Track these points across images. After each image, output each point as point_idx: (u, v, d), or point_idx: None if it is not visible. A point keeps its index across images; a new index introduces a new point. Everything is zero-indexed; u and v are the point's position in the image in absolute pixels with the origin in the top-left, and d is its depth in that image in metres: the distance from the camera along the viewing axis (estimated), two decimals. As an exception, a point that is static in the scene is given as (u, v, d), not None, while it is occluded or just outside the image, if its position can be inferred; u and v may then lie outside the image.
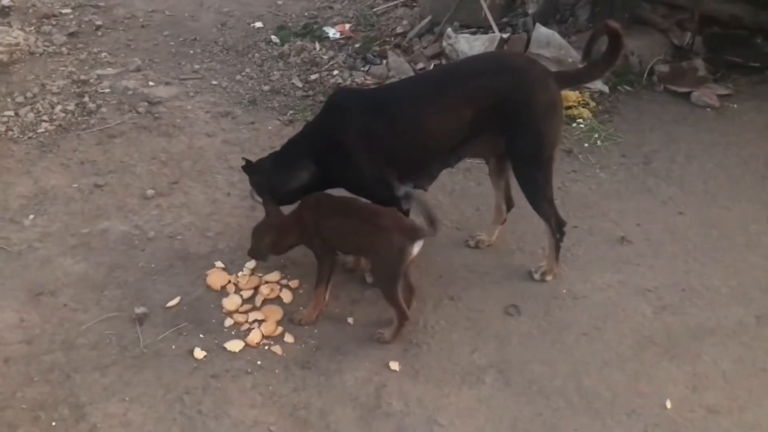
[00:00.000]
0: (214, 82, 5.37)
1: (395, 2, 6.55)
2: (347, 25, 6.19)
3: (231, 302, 3.32)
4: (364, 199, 3.26)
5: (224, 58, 5.78)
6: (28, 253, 3.62)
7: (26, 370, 2.99)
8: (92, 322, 3.23)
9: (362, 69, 5.48)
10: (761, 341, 3.19)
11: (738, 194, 4.16)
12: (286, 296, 3.38)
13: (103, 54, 5.72)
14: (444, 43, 5.43)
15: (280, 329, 3.19)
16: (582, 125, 4.76)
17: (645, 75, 5.27)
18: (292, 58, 5.67)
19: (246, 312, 3.28)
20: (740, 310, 3.35)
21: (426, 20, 5.87)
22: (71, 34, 6.03)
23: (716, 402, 2.90)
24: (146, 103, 5.00)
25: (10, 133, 4.62)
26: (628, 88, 5.18)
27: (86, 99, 5.01)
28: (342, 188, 3.36)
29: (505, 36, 5.37)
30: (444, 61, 5.35)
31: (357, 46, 5.81)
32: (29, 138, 4.58)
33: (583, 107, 4.89)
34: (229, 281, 3.44)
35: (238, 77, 5.45)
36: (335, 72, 5.44)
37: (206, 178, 4.25)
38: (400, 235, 3.02)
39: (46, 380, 2.94)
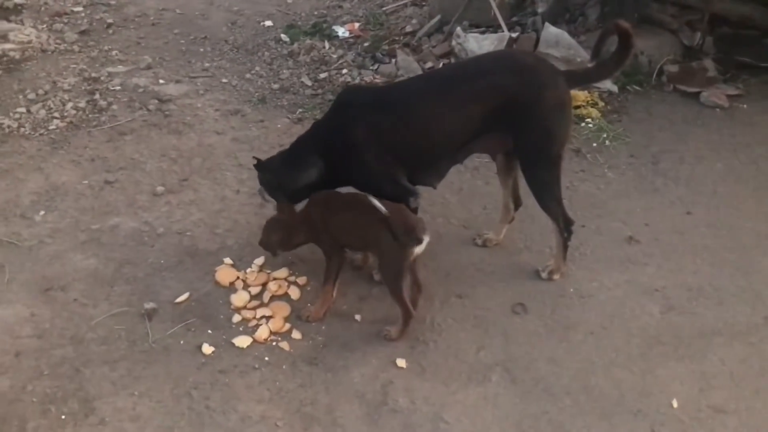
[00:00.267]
0: (224, 80, 5.39)
1: (404, 1, 6.56)
2: (356, 24, 6.21)
3: (239, 298, 3.34)
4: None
5: (234, 56, 5.81)
6: (38, 249, 3.65)
7: (36, 364, 3.02)
8: (102, 317, 3.26)
9: (371, 68, 5.49)
10: (769, 342, 3.19)
11: (747, 195, 4.14)
12: (294, 293, 3.39)
13: (114, 52, 5.76)
14: (453, 42, 5.43)
15: (287, 326, 3.21)
16: (591, 125, 4.75)
17: (654, 75, 5.26)
18: (302, 57, 5.69)
19: (254, 308, 3.30)
20: (748, 311, 3.34)
21: (435, 19, 5.87)
22: (83, 32, 6.07)
23: (723, 402, 2.90)
24: (156, 101, 5.03)
25: (22, 129, 4.66)
26: (637, 88, 5.17)
27: (97, 96, 5.05)
28: (351, 186, 3.37)
29: (514, 35, 5.37)
30: (453, 60, 5.36)
31: (366, 45, 5.83)
32: (40, 135, 4.62)
33: (591, 107, 4.89)
34: (238, 278, 3.46)
35: (248, 75, 5.47)
36: (344, 71, 5.45)
37: (215, 175, 4.27)
38: (405, 233, 3.03)
39: (56, 374, 2.97)
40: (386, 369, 3.03)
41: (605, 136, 4.65)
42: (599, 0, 5.62)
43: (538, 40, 5.31)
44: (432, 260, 3.49)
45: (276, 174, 3.42)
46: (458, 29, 5.49)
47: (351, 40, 5.98)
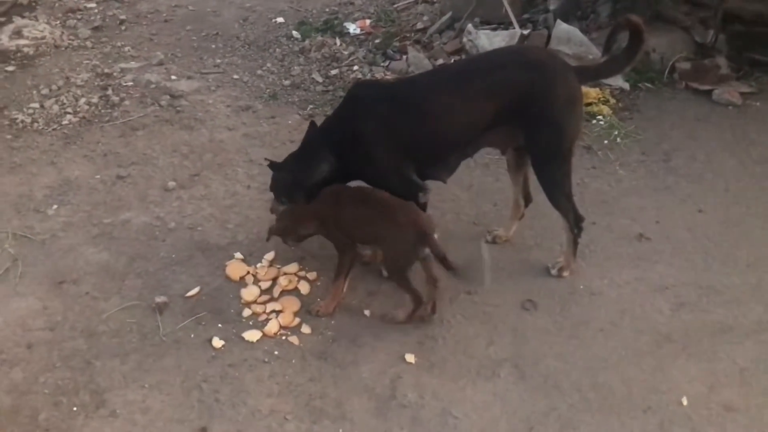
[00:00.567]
0: (236, 77, 5.41)
1: (416, -2, 6.56)
2: (368, 21, 6.21)
3: (249, 293, 3.36)
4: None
5: (245, 52, 5.82)
6: (51, 242, 3.69)
7: (49, 356, 3.05)
8: (113, 310, 3.28)
9: (382, 64, 5.49)
10: (780, 340, 3.17)
11: (758, 193, 4.11)
12: (304, 288, 3.41)
13: (127, 48, 5.80)
14: (464, 39, 5.42)
15: (297, 320, 3.23)
16: (602, 122, 4.73)
17: (666, 72, 5.22)
18: (313, 54, 5.70)
19: (264, 303, 3.32)
20: (759, 309, 3.32)
21: (446, 16, 5.87)
22: (96, 28, 6.12)
23: (733, 400, 2.89)
24: (168, 97, 5.06)
25: (36, 124, 4.70)
26: (649, 85, 5.14)
27: (110, 92, 5.08)
28: (361, 180, 3.37)
29: (525, 32, 5.35)
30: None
31: (377, 41, 5.83)
32: (54, 130, 4.66)
33: (603, 104, 4.87)
34: (248, 272, 3.48)
35: (259, 72, 5.48)
36: (355, 67, 5.46)
37: (226, 170, 4.29)
38: (414, 230, 3.03)
39: (67, 366, 3.01)
40: (395, 364, 3.04)
41: (616, 133, 4.63)
42: (611, -3, 5.60)
43: (549, 37, 5.29)
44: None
45: (291, 172, 3.42)
46: (469, 26, 5.49)
47: (362, 36, 5.98)
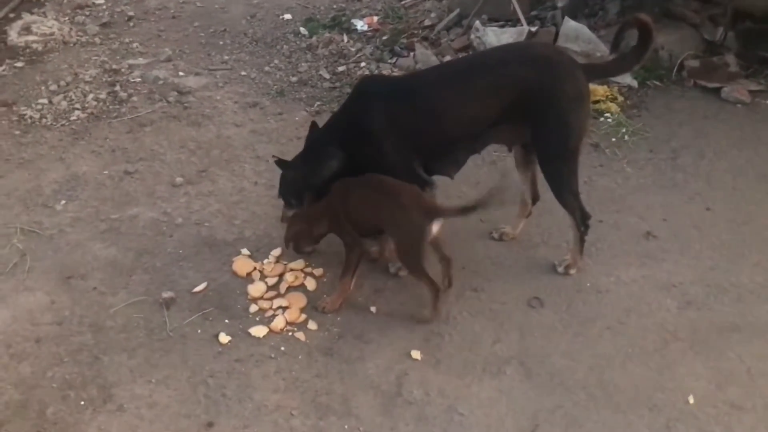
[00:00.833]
0: (243, 73, 5.42)
1: (423, -5, 6.55)
2: (375, 18, 6.21)
3: (256, 289, 3.37)
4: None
5: (253, 49, 5.83)
6: (59, 237, 3.71)
7: (56, 351, 3.07)
8: (121, 305, 3.30)
9: (389, 61, 5.49)
10: (788, 339, 3.16)
11: (767, 191, 4.09)
12: (310, 284, 3.41)
13: (135, 44, 5.82)
14: (472, 36, 5.42)
15: (303, 316, 3.23)
16: (610, 120, 4.72)
17: (675, 70, 5.20)
18: (320, 50, 5.70)
19: (270, 299, 3.33)
20: (766, 307, 3.30)
21: (454, 13, 5.86)
22: (104, 25, 6.14)
23: (740, 398, 2.88)
24: (176, 93, 5.07)
25: (44, 120, 4.72)
26: (657, 83, 5.12)
27: (118, 88, 5.10)
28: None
29: (533, 29, 5.34)
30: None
31: (384, 38, 5.83)
32: (62, 125, 4.68)
33: (611, 102, 4.85)
34: (255, 268, 3.49)
35: (267, 68, 5.49)
36: (362, 64, 5.46)
37: (234, 167, 4.30)
38: (419, 212, 3.04)
39: (75, 361, 3.02)
40: (401, 361, 3.04)
41: (624, 131, 4.61)
42: (620, -6, 5.58)
43: (557, 34, 5.28)
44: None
45: (298, 169, 3.43)
46: (477, 23, 5.48)
47: (369, 33, 5.98)
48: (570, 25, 5.23)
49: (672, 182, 4.17)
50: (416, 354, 3.06)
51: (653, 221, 3.84)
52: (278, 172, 3.54)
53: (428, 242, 3.13)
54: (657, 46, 5.06)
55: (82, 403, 2.85)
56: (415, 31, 5.92)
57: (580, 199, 3.38)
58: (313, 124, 3.52)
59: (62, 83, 5.14)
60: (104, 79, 5.23)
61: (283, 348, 3.09)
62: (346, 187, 3.25)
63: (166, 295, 3.31)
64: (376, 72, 5.34)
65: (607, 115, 4.75)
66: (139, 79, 5.25)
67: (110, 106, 4.91)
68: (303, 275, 3.46)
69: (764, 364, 3.03)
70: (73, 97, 4.97)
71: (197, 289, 3.38)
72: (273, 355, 3.05)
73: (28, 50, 5.60)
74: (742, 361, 3.04)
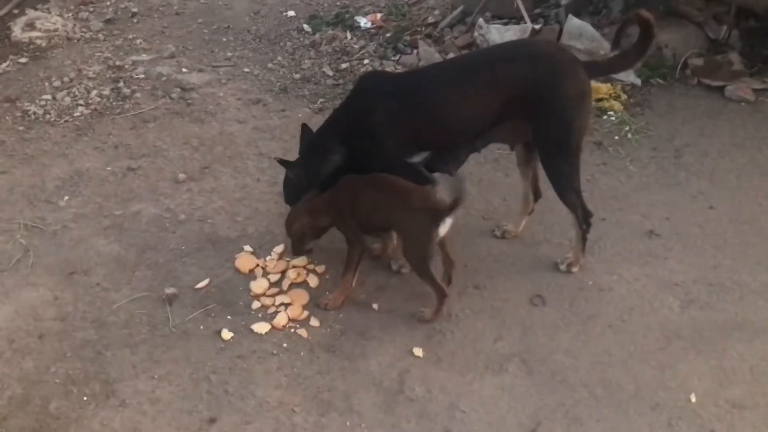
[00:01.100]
0: (246, 70, 5.42)
1: (427, -8, 6.54)
2: (378, 15, 6.19)
3: (258, 285, 3.38)
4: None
5: (256, 46, 5.83)
6: (62, 233, 3.72)
7: (59, 346, 3.08)
8: (123, 301, 3.31)
9: (393, 58, 5.48)
10: (790, 338, 3.15)
11: (771, 190, 4.09)
12: (313, 281, 3.42)
13: (139, 40, 5.82)
14: (475, 34, 5.40)
15: (305, 313, 3.24)
16: (613, 118, 4.70)
17: (678, 68, 5.18)
18: (324, 47, 5.70)
19: (273, 295, 3.34)
20: (770, 306, 3.31)
21: (458, 10, 5.85)
22: (108, 21, 6.14)
23: (742, 397, 2.87)
24: (179, 89, 5.08)
25: (48, 116, 4.73)
26: (661, 81, 5.11)
27: (121, 84, 5.11)
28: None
29: (537, 27, 5.33)
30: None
31: (388, 35, 5.82)
32: (65, 121, 4.69)
33: (614, 100, 4.83)
34: (257, 265, 3.49)
35: (270, 65, 5.49)
36: (366, 61, 5.45)
37: (237, 163, 4.31)
38: (427, 214, 3.04)
39: (78, 356, 3.03)
40: (403, 358, 3.04)
41: (627, 129, 4.60)
42: (623, -8, 5.56)
43: (561, 32, 5.27)
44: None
45: (303, 167, 3.42)
46: (480, 20, 5.47)
47: (373, 30, 5.97)
48: (574, 22, 5.22)
49: (675, 181, 4.17)
50: (418, 351, 3.06)
51: (656, 219, 3.84)
52: (281, 169, 3.53)
53: (436, 243, 3.13)
54: (661, 44, 5.06)
55: (85, 398, 2.86)
56: (419, 29, 5.90)
57: (582, 196, 3.38)
58: (305, 127, 3.52)
59: (66, 79, 5.15)
60: (108, 76, 5.24)
61: (285, 344, 3.10)
62: (354, 185, 3.24)
63: (169, 291, 3.32)
64: (380, 69, 5.33)
65: (611, 113, 4.74)
66: (142, 76, 5.25)
67: (113, 103, 4.92)
68: (305, 272, 3.46)
69: (766, 362, 3.03)
70: (77, 93, 4.97)
71: (200, 285, 3.38)
72: (275, 352, 3.06)
73: (31, 46, 5.61)
74: (745, 360, 3.04)
